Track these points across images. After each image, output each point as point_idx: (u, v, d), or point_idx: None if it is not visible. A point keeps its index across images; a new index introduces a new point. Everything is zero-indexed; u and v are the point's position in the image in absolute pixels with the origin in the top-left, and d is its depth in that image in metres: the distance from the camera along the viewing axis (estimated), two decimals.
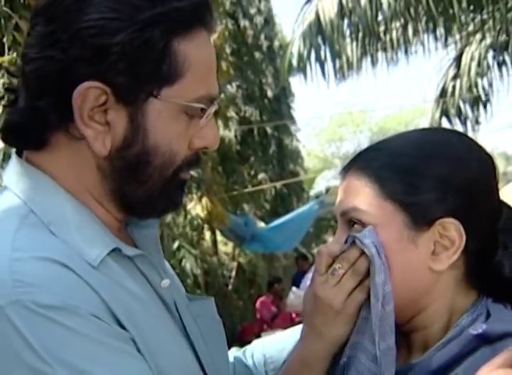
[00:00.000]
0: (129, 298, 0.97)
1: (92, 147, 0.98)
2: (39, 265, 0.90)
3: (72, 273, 0.91)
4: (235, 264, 11.53)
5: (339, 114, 33.94)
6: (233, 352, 1.39)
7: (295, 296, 8.81)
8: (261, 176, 12.25)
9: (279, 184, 13.03)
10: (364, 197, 1.10)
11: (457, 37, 9.10)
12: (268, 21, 12.99)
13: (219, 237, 10.66)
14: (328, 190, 19.45)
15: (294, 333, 1.34)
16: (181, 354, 1.05)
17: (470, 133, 9.96)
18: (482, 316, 1.06)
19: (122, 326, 0.94)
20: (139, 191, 1.03)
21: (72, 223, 0.98)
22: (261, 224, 11.21)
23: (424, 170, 1.08)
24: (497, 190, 1.14)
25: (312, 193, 18.76)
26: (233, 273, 11.35)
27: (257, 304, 10.16)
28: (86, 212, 1.01)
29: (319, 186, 20.49)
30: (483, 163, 1.12)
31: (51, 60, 0.95)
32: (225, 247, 11.68)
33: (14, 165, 1.04)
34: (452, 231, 1.07)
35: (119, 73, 0.95)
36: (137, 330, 0.95)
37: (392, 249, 1.07)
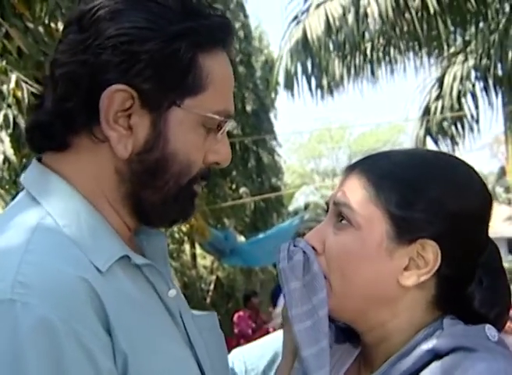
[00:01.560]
0: (131, 307, 0.98)
1: (114, 148, 1.01)
2: (45, 271, 0.91)
3: (77, 284, 0.92)
4: (213, 278, 11.51)
5: (319, 130, 34.15)
6: None
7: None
8: (242, 190, 12.27)
9: (258, 199, 13.04)
10: (358, 197, 1.11)
11: (440, 57, 9.21)
12: (247, 36, 13.06)
13: (198, 251, 10.64)
14: (306, 206, 19.54)
15: (273, 340, 1.37)
16: (184, 363, 1.06)
17: (452, 153, 10.06)
18: (438, 331, 1.07)
19: (110, 334, 0.93)
20: (154, 196, 1.05)
21: (85, 228, 1.00)
22: (241, 238, 11.22)
23: (422, 189, 1.10)
24: (487, 226, 1.15)
25: (291, 208, 18.81)
26: (212, 287, 11.32)
27: (235, 318, 10.13)
28: (99, 217, 1.03)
29: (298, 201, 20.53)
30: (481, 198, 1.14)
31: (82, 64, 0.99)
32: (204, 260, 11.66)
33: (33, 168, 1.07)
34: (429, 253, 1.08)
35: (146, 80, 0.99)
36: (133, 342, 0.95)
37: (367, 254, 1.09)
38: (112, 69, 0.98)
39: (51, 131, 1.03)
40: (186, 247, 9.85)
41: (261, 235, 10.58)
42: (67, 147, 1.04)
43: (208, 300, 10.92)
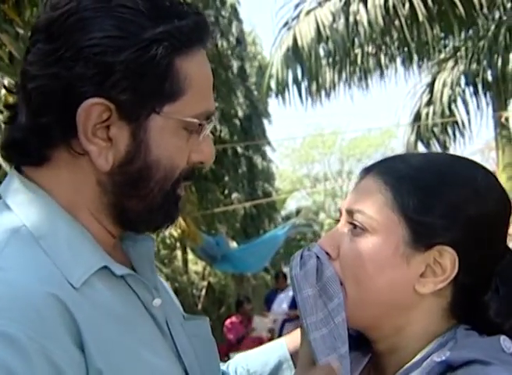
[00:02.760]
0: (109, 320, 0.96)
1: (95, 163, 0.98)
2: (14, 288, 0.89)
3: (47, 302, 0.89)
4: (205, 283, 11.50)
5: (311, 136, 34.14)
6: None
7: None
8: (233, 195, 12.27)
9: (250, 204, 13.03)
10: (373, 202, 1.08)
11: (430, 63, 9.26)
12: (240, 41, 13.07)
13: (190, 256, 10.64)
14: (298, 211, 19.55)
15: (277, 346, 1.35)
16: (168, 373, 1.04)
17: None
18: (451, 342, 1.05)
19: (83, 350, 0.91)
20: (139, 205, 1.03)
21: (62, 239, 0.97)
22: (233, 244, 11.22)
23: (441, 194, 1.07)
24: (506, 234, 1.13)
25: (283, 213, 18.81)
26: (203, 293, 11.31)
27: (227, 324, 10.12)
28: (78, 228, 1.00)
29: (290, 207, 20.54)
30: (500, 205, 1.11)
31: (54, 77, 0.95)
32: (196, 266, 11.65)
33: (11, 178, 1.04)
34: (446, 260, 1.06)
35: (123, 91, 0.96)
36: (109, 356, 0.93)
37: (383, 260, 1.07)
38: (86, 82, 0.94)
39: (27, 148, 1.00)
40: (178, 252, 9.83)
41: (252, 241, 10.58)
42: (45, 161, 1.01)
43: (200, 306, 10.90)
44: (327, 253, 1.11)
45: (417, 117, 10.09)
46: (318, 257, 1.10)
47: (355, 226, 1.09)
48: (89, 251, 0.99)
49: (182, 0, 1.03)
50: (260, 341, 9.75)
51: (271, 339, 10.09)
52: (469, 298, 1.09)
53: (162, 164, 1.01)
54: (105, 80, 0.94)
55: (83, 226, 1.01)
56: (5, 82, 3.74)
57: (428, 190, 1.08)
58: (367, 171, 1.14)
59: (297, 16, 8.02)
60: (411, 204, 1.06)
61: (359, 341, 1.15)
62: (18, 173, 1.03)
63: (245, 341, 9.43)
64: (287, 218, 17.04)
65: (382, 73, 8.68)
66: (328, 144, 35.81)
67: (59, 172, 1.01)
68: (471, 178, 1.10)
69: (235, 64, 12.73)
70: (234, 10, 12.81)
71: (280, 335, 10.12)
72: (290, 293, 10.48)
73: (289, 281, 12.20)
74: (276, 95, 8.25)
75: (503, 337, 1.04)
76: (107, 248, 1.04)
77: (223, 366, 1.37)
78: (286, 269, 17.75)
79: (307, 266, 1.10)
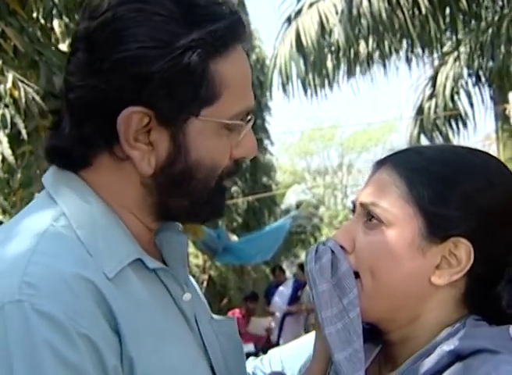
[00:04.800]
0: (140, 311, 0.98)
1: (138, 167, 1.01)
2: (52, 271, 0.92)
3: (84, 286, 0.92)
4: (206, 277, 11.51)
5: (310, 130, 34.14)
6: (250, 362, 1.41)
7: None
8: (234, 189, 12.27)
9: (251, 198, 13.04)
10: (388, 194, 1.09)
11: (433, 56, 9.25)
12: None
13: (191, 249, 10.64)
14: (298, 204, 19.56)
15: (310, 340, 1.36)
16: (195, 367, 1.06)
17: None
18: (461, 332, 1.06)
19: (119, 336, 0.94)
20: (183, 202, 1.05)
21: (98, 230, 1.00)
22: (234, 237, 11.23)
23: (456, 185, 1.08)
24: None
25: (283, 207, 18.83)
26: (204, 286, 11.32)
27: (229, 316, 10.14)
28: (115, 219, 1.03)
29: (290, 200, 20.54)
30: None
31: (93, 89, 0.98)
32: (197, 259, 11.65)
33: (54, 170, 1.07)
34: (462, 252, 1.07)
35: (160, 99, 0.98)
36: (140, 347, 0.95)
37: (399, 253, 1.07)
38: (124, 93, 0.97)
39: (71, 155, 1.03)
40: None
41: (253, 233, 10.60)
42: (88, 166, 1.04)
43: None
44: (342, 247, 1.11)
45: (420, 110, 10.09)
46: (332, 252, 1.11)
47: (370, 219, 1.10)
48: (124, 243, 1.02)
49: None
50: (258, 339, 9.83)
51: (268, 337, 10.19)
52: (482, 288, 1.10)
53: (203, 164, 1.03)
54: (142, 90, 0.97)
55: (121, 218, 1.04)
56: (10, 76, 3.74)
57: (442, 181, 1.08)
58: (380, 164, 1.14)
59: (300, 10, 8.02)
60: (426, 196, 1.07)
61: (370, 332, 1.16)
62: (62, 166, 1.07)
63: (244, 337, 9.46)
64: (287, 211, 17.07)
65: (384, 66, 8.66)
66: (328, 138, 35.81)
67: (102, 175, 1.04)
68: (484, 169, 1.11)
69: None
70: (242, 5, 12.76)
71: (281, 328, 10.19)
72: (291, 285, 10.53)
73: (288, 275, 12.28)
74: (281, 88, 8.24)
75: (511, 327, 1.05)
76: (142, 242, 1.06)
77: (257, 361, 1.40)
78: (285, 263, 17.82)
79: (322, 260, 1.11)
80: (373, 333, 1.16)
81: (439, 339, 1.07)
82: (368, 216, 1.10)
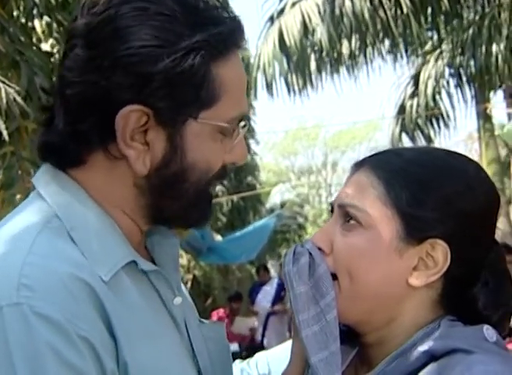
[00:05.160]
0: (134, 316, 0.98)
1: (133, 166, 1.00)
2: (49, 273, 0.91)
3: (80, 287, 0.92)
4: (190, 276, 11.50)
5: (294, 129, 34.18)
6: (237, 365, 1.41)
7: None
8: (218, 188, 12.26)
9: (235, 197, 13.03)
10: (366, 196, 1.09)
11: (415, 55, 9.31)
12: None
13: None
14: (283, 203, 19.60)
15: None
16: (184, 372, 1.06)
17: None
18: (436, 332, 1.06)
19: (114, 339, 0.94)
20: (174, 204, 1.05)
21: (92, 232, 0.99)
22: (218, 237, 11.21)
23: (434, 187, 1.09)
24: (495, 226, 1.15)
25: (267, 206, 18.84)
26: (188, 286, 11.30)
27: (214, 317, 10.14)
28: (108, 221, 1.02)
29: (274, 199, 20.57)
30: (490, 199, 1.14)
31: (93, 85, 0.97)
32: (181, 259, 11.63)
33: (45, 169, 1.06)
34: (439, 253, 1.07)
35: (161, 99, 0.98)
36: (134, 351, 0.95)
37: (377, 254, 1.08)
38: (124, 90, 0.96)
39: (65, 152, 1.02)
40: None
41: (237, 233, 10.59)
42: (81, 163, 1.03)
43: None
44: (320, 249, 1.11)
45: (402, 109, 10.15)
46: (310, 254, 1.11)
47: (348, 221, 1.10)
48: (118, 245, 1.01)
49: (217, 4, 1.04)
50: (242, 338, 9.84)
51: (252, 337, 10.20)
52: (459, 290, 1.11)
53: (198, 167, 1.03)
54: (143, 88, 0.97)
55: (113, 219, 1.03)
56: None
57: (420, 183, 1.09)
58: (359, 165, 1.15)
59: (283, 9, 8.02)
60: (404, 198, 1.08)
61: (347, 334, 1.15)
62: (51, 166, 1.05)
63: (228, 336, 9.44)
64: (272, 211, 17.08)
65: (367, 65, 8.70)
66: (312, 137, 35.87)
67: (96, 174, 1.03)
68: (462, 172, 1.12)
69: None
70: (226, 4, 12.76)
71: (265, 328, 10.20)
72: (275, 285, 10.54)
73: (272, 274, 12.28)
74: (266, 88, 8.25)
75: (486, 327, 1.06)
76: (133, 242, 1.06)
77: (244, 364, 1.40)
78: (270, 262, 17.84)
79: (299, 262, 1.11)
80: (350, 335, 1.16)
81: (413, 340, 1.07)
82: (346, 218, 1.10)
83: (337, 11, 7.51)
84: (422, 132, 10.16)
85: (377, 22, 7.74)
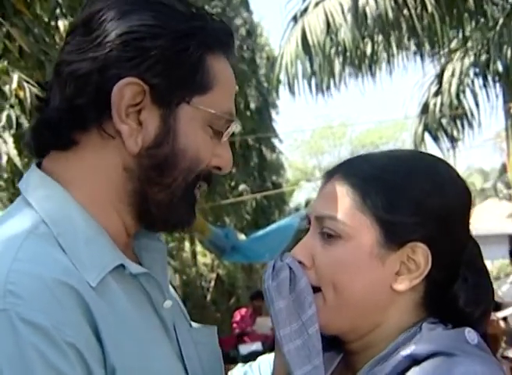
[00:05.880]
0: (122, 321, 0.98)
1: (125, 143, 1.02)
2: (35, 279, 0.91)
3: (66, 292, 0.92)
4: (214, 275, 11.53)
5: (321, 128, 34.06)
6: (240, 368, 1.41)
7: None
8: (241, 187, 12.27)
9: (259, 196, 13.03)
10: (342, 206, 1.09)
11: (439, 54, 9.23)
12: (251, 33, 13.03)
13: (199, 248, 10.64)
14: (307, 202, 19.53)
15: None
16: None
17: (449, 150, 10.11)
18: (417, 336, 1.07)
19: (101, 344, 0.94)
20: (161, 194, 1.05)
21: (80, 237, 0.99)
22: (242, 236, 11.20)
23: (408, 192, 1.09)
24: (469, 223, 1.16)
25: (292, 205, 18.80)
26: (212, 284, 11.33)
27: (236, 316, 10.15)
28: (95, 225, 1.03)
29: (299, 198, 20.53)
30: (463, 196, 1.15)
31: (91, 60, 1.00)
32: (205, 258, 11.67)
33: (31, 174, 1.07)
34: (419, 256, 1.08)
35: (157, 75, 1.01)
36: (121, 357, 0.95)
37: (360, 264, 1.08)
38: (122, 63, 1.00)
39: (59, 128, 1.03)
40: (187, 244, 9.85)
41: (261, 231, 10.59)
42: (73, 144, 1.04)
43: (209, 297, 10.93)
44: (301, 262, 1.11)
45: (425, 108, 10.05)
46: (290, 268, 1.11)
47: (329, 234, 1.09)
48: (105, 249, 1.01)
49: (210, 10, 1.11)
50: (265, 338, 9.85)
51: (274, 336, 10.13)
52: (440, 289, 1.11)
53: (188, 154, 1.04)
54: (141, 62, 1.00)
55: (101, 223, 1.03)
56: (15, 76, 3.77)
57: (394, 189, 1.09)
58: (330, 174, 1.14)
59: (306, 9, 8.01)
60: (380, 204, 1.08)
61: (332, 341, 1.15)
62: (38, 169, 1.07)
63: (251, 336, 9.44)
64: (296, 210, 17.04)
65: (391, 64, 8.64)
66: (338, 136, 35.71)
67: (86, 157, 1.04)
68: (433, 173, 1.12)
69: (246, 56, 12.69)
70: (246, 3, 12.76)
71: None
72: None
73: None
74: (287, 88, 8.25)
75: (467, 329, 1.07)
76: (120, 244, 1.06)
77: (246, 366, 1.41)
78: None
79: (279, 277, 1.11)
80: (334, 342, 1.16)
81: (395, 344, 1.08)
82: (325, 229, 1.10)
83: (361, 10, 7.47)
84: (445, 131, 10.08)
85: (401, 21, 7.70)
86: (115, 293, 0.99)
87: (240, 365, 1.43)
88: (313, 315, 1.08)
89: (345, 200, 1.09)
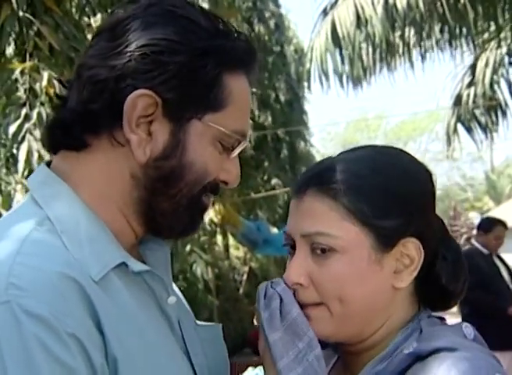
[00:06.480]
0: (124, 316, 1.00)
1: (134, 152, 1.04)
2: (37, 272, 0.93)
3: (69, 285, 0.94)
4: (246, 268, 11.54)
5: (355, 120, 33.90)
6: (250, 372, 1.44)
7: None
8: (274, 181, 12.25)
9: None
10: (330, 221, 1.09)
11: (473, 44, 9.10)
12: (280, 26, 12.99)
13: (231, 242, 10.67)
14: None
15: None
16: (178, 371, 1.07)
17: (485, 141, 9.98)
18: (416, 332, 1.09)
19: (103, 336, 0.95)
20: (166, 203, 1.07)
21: (83, 235, 1.02)
22: (274, 230, 11.20)
23: (389, 192, 1.10)
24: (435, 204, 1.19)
25: None
26: (245, 278, 11.35)
27: None
28: (100, 224, 1.05)
29: None
30: (431, 179, 1.17)
31: (110, 68, 1.02)
32: (237, 251, 11.69)
33: (40, 172, 1.10)
34: (412, 250, 1.11)
35: (171, 90, 1.03)
36: (123, 349, 0.97)
37: (362, 273, 1.09)
38: (139, 75, 1.02)
39: (72, 129, 1.06)
40: (219, 238, 9.88)
41: None
42: (85, 147, 1.06)
43: (241, 290, 10.96)
44: (299, 284, 1.11)
45: (458, 100, 9.93)
46: (281, 297, 1.10)
47: (322, 250, 1.09)
48: (108, 248, 1.03)
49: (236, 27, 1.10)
50: None
51: None
52: (426, 274, 1.15)
53: (195, 167, 1.06)
54: (157, 76, 1.02)
55: (106, 222, 1.05)
56: (45, 74, 3.82)
57: (376, 193, 1.10)
58: (301, 190, 1.12)
59: (336, 1, 7.97)
60: (367, 211, 1.08)
61: (325, 343, 1.16)
62: (46, 167, 1.10)
63: None
64: None
65: (422, 56, 8.56)
66: (373, 128, 35.52)
67: (96, 159, 1.06)
68: (401, 167, 1.14)
69: (274, 49, 12.65)
70: None
71: None
72: None
73: None
74: (319, 81, 8.22)
75: (464, 325, 1.10)
76: (126, 246, 1.08)
77: (256, 370, 1.41)
78: None
79: (271, 307, 1.11)
80: (329, 343, 1.17)
81: (397, 342, 1.10)
82: (315, 245, 1.10)
83: (391, 2, 7.41)
84: (479, 123, 9.94)
85: (433, 12, 7.61)
86: (118, 289, 1.01)
87: (250, 368, 1.44)
88: (310, 341, 1.08)
89: (330, 214, 1.09)
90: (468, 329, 1.09)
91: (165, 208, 1.08)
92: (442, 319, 1.16)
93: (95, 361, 0.93)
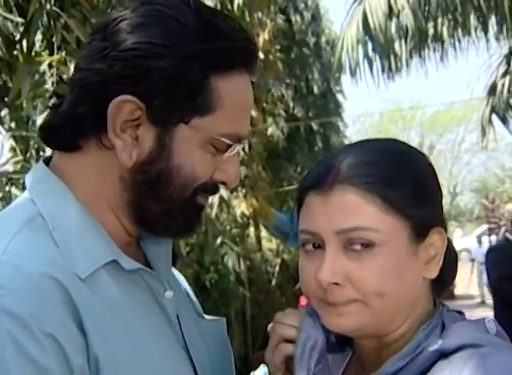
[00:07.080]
0: (113, 313, 1.00)
1: (119, 156, 1.04)
2: (19, 271, 0.94)
3: (50, 285, 0.94)
4: (279, 260, 11.54)
5: (390, 111, 33.63)
6: (261, 369, 1.45)
7: None
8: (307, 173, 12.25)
9: None
10: (368, 214, 1.05)
11: (508, 33, 8.94)
12: (315, 17, 12.91)
13: (264, 234, 10.68)
14: None
15: None
16: (175, 365, 1.07)
17: None
18: (438, 328, 1.08)
19: (84, 335, 0.96)
20: (156, 207, 1.07)
21: (74, 232, 1.03)
22: None
23: (420, 182, 1.10)
24: None
25: None
26: (277, 269, 11.36)
27: (302, 301, 10.17)
28: (91, 222, 1.05)
29: None
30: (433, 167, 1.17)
31: (96, 72, 1.02)
32: (270, 243, 11.69)
33: (37, 169, 1.11)
34: (437, 239, 1.10)
35: (155, 95, 1.02)
36: (108, 347, 0.97)
37: (402, 266, 1.07)
38: (122, 80, 1.01)
39: (61, 133, 1.07)
40: (251, 230, 9.89)
41: None
42: (77, 148, 1.07)
43: (274, 282, 10.97)
44: (336, 283, 1.07)
45: (493, 89, 9.78)
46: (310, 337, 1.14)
47: (361, 243, 1.05)
48: (99, 245, 1.04)
49: (238, 25, 1.08)
50: None
51: None
52: None
53: (183, 171, 1.05)
54: (141, 81, 1.01)
55: (99, 220, 1.06)
56: (72, 67, 3.84)
57: (410, 183, 1.09)
58: (330, 186, 1.07)
59: None
60: (405, 202, 1.06)
61: (339, 342, 1.17)
62: (43, 165, 1.10)
63: None
64: None
65: (456, 45, 8.44)
66: (408, 119, 35.21)
67: (87, 161, 1.07)
68: (419, 157, 1.15)
69: (308, 40, 12.59)
70: None
71: None
72: None
73: None
74: (350, 72, 8.16)
75: (487, 319, 1.08)
76: (120, 243, 1.08)
77: (266, 368, 1.42)
78: None
79: (306, 346, 1.15)
80: (343, 342, 1.18)
81: (419, 339, 1.07)
82: (352, 242, 1.06)
83: None
84: None
85: (467, 1, 7.49)
86: (107, 286, 1.01)
87: (262, 365, 1.44)
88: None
89: (367, 207, 1.06)
90: (491, 323, 1.07)
91: (155, 211, 1.08)
92: (461, 313, 1.14)
93: (73, 361, 0.92)
